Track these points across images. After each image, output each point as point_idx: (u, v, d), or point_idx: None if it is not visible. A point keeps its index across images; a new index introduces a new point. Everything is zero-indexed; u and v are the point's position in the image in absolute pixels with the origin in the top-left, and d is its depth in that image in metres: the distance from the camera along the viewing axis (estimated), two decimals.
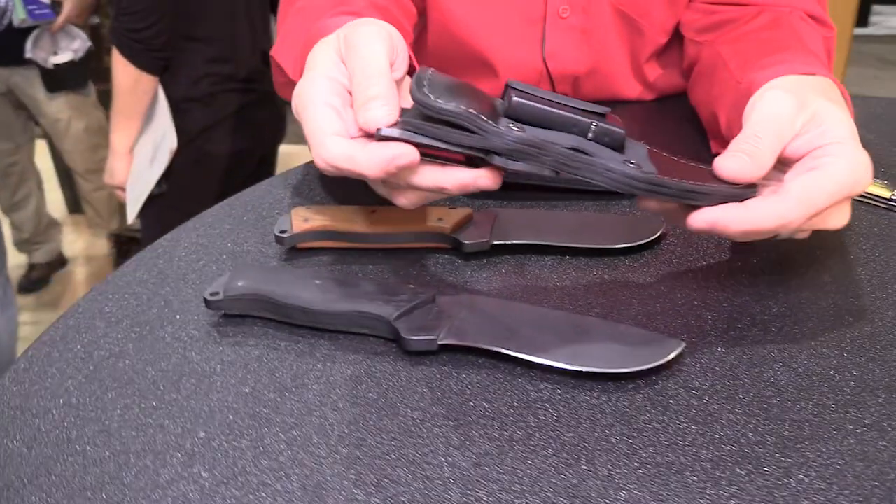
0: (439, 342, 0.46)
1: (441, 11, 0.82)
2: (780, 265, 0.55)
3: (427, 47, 0.87)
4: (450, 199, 0.64)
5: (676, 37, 0.85)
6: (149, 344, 0.48)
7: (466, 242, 0.56)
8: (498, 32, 0.82)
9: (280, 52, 0.67)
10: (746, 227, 0.46)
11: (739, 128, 0.61)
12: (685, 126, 0.80)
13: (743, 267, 0.55)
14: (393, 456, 0.39)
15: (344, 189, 0.68)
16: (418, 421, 0.42)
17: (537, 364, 0.45)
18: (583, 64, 0.84)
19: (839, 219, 0.49)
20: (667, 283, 0.54)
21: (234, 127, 1.64)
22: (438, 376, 0.45)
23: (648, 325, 0.49)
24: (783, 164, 0.51)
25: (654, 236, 0.58)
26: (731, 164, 0.48)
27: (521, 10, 0.82)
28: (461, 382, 0.44)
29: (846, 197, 0.48)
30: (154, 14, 1.50)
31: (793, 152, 0.50)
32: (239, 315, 0.50)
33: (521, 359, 0.45)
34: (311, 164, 0.72)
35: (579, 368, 0.44)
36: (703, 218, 0.46)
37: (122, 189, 1.68)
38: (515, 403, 0.43)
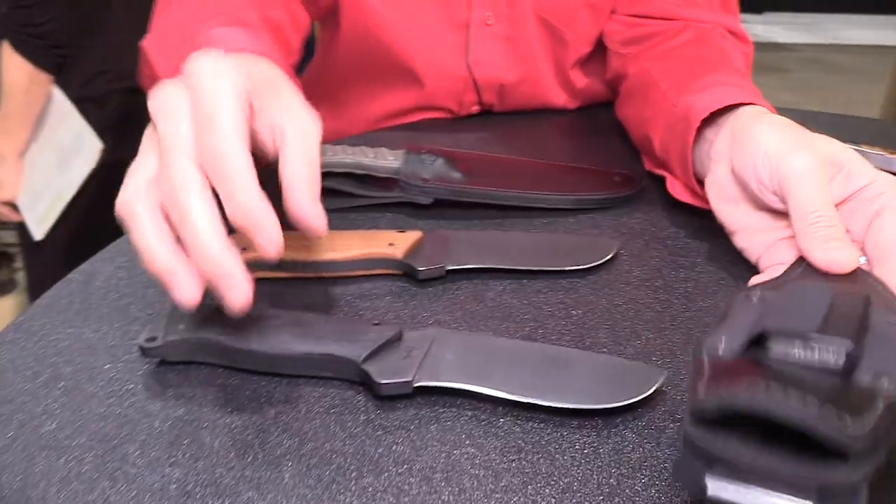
0: (415, 384, 0.42)
1: (359, 11, 0.77)
2: (740, 279, 0.55)
3: (339, 51, 0.83)
4: (397, 223, 0.61)
5: (601, 46, 0.84)
6: (77, 403, 0.42)
7: (421, 269, 0.52)
8: (421, 37, 0.79)
9: (153, 47, 0.60)
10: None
11: (676, 151, 0.61)
12: (614, 139, 0.79)
13: (699, 285, 0.55)
14: None
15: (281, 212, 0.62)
16: (404, 475, 0.38)
17: (520, 402, 0.42)
18: (509, 72, 0.82)
19: None
20: (630, 304, 0.52)
21: (137, 130, 1.51)
22: (417, 422, 0.41)
23: (622, 352, 0.47)
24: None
25: (610, 255, 0.56)
26: (839, 257, 0.44)
27: (445, 16, 0.79)
28: (443, 428, 0.41)
29: None
30: (54, 7, 1.36)
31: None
32: (181, 361, 0.44)
33: (502, 398, 0.42)
34: None
35: (566, 405, 0.41)
36: None
37: (9, 204, 1.51)
38: (505, 448, 0.39)
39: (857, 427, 0.28)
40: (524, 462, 0.39)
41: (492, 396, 0.42)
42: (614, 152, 0.77)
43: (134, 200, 0.40)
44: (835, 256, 0.44)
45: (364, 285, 0.53)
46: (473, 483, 0.37)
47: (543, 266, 0.54)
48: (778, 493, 0.30)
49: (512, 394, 0.41)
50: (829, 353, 0.33)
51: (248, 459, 0.38)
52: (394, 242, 0.53)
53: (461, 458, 0.39)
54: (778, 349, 0.34)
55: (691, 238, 0.60)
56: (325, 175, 0.62)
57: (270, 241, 0.41)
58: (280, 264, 0.52)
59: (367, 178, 0.63)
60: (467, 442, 0.40)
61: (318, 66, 0.90)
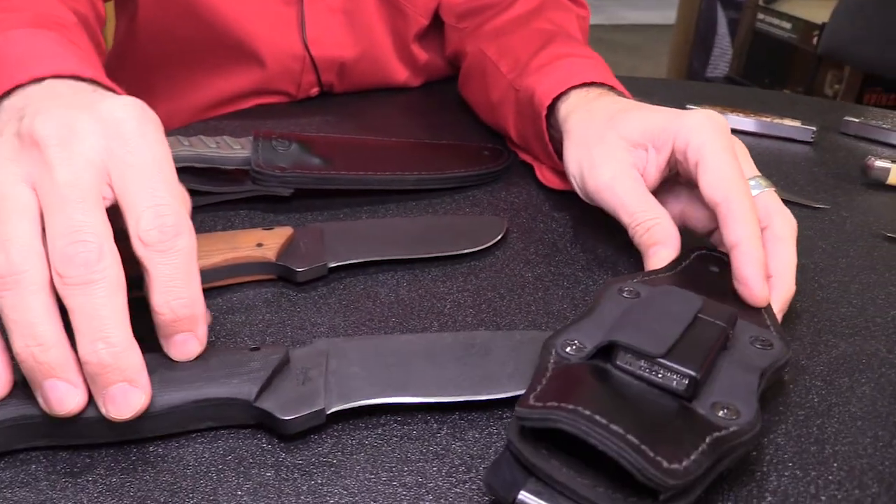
0: (328, 412, 0.34)
1: None
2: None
3: (142, 35, 0.71)
4: (254, 220, 0.51)
5: (440, 20, 0.78)
6: None
7: (300, 270, 0.44)
8: (254, 13, 0.69)
9: None
10: (756, 265, 0.40)
11: (536, 139, 0.57)
12: (465, 115, 0.74)
13: (598, 256, 0.50)
14: None
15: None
16: None
17: (451, 404, 0.35)
18: (349, 48, 0.73)
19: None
20: (537, 280, 0.46)
21: None
22: (338, 453, 0.33)
23: (536, 326, 0.42)
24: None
25: (502, 234, 0.50)
26: (659, 262, 0.43)
27: None
28: (371, 454, 0.33)
29: (728, 144, 0.44)
30: None
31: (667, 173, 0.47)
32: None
33: (429, 403, 0.35)
34: None
35: (498, 396, 0.35)
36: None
37: None
38: (450, 468, 0.32)
39: (671, 469, 0.27)
40: (474, 478, 0.32)
41: (412, 405, 0.35)
42: (469, 128, 0.71)
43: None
44: (655, 262, 0.44)
45: (232, 297, 0.43)
46: None
47: (436, 252, 0.47)
48: None
49: (439, 396, 0.34)
50: (673, 378, 0.32)
51: None
52: (262, 242, 0.44)
53: (400, 488, 0.31)
54: (625, 362, 0.33)
55: (576, 209, 0.56)
56: None
57: None
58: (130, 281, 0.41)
59: (209, 172, 0.53)
60: (405, 469, 0.32)
61: (115, 56, 0.77)
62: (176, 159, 0.51)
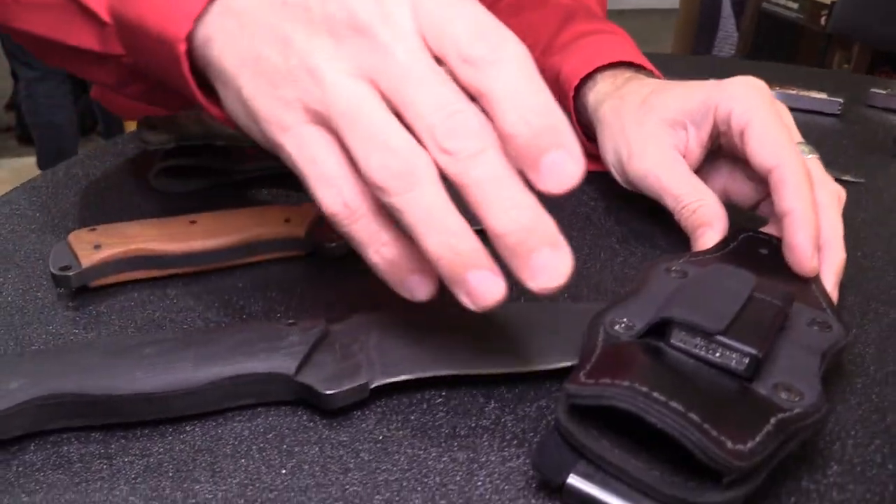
0: (372, 387, 0.32)
1: None
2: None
3: None
4: (287, 196, 0.50)
5: None
6: None
7: (331, 245, 0.42)
8: None
9: None
10: (809, 232, 0.38)
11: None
12: None
13: (638, 228, 0.49)
14: None
15: (140, 196, 0.50)
16: (395, 497, 0.28)
17: (497, 376, 0.33)
18: None
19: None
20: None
21: None
22: (383, 429, 0.31)
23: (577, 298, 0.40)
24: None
25: None
26: (707, 241, 0.42)
27: None
28: (424, 438, 0.31)
29: (774, 108, 0.43)
30: None
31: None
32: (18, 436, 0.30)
33: (476, 376, 0.33)
34: (72, 163, 0.53)
35: (551, 367, 0.33)
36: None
37: None
38: (506, 446, 0.31)
39: (736, 450, 0.25)
40: (527, 452, 0.30)
41: (462, 377, 0.33)
42: None
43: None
44: (702, 244, 0.42)
45: (262, 273, 0.42)
46: (481, 492, 0.29)
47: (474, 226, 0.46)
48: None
49: (485, 368, 0.33)
50: (732, 356, 0.30)
51: None
52: (290, 218, 0.43)
53: (452, 463, 0.30)
54: (679, 340, 0.31)
55: (605, 182, 0.54)
56: (181, 150, 0.50)
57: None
58: (150, 260, 0.40)
59: (230, 150, 0.51)
60: (454, 444, 0.31)
61: None
62: (194, 137, 0.49)
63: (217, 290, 0.40)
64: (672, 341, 0.31)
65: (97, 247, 0.39)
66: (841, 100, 0.70)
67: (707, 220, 0.42)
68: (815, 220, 0.38)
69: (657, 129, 0.46)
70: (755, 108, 0.41)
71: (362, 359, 0.33)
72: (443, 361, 0.33)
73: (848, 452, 0.32)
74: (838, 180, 0.56)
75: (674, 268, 0.37)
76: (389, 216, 0.30)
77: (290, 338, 0.33)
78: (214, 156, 0.50)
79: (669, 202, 0.44)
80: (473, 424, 0.32)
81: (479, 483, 0.29)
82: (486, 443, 0.31)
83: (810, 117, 0.70)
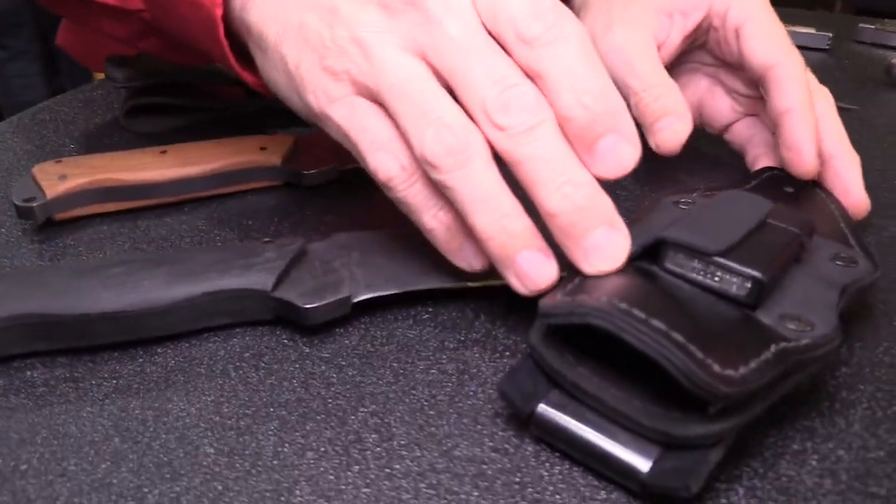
0: (354, 301, 0.30)
1: None
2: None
3: None
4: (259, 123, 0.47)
5: None
6: None
7: (308, 172, 0.40)
8: None
9: None
10: (810, 128, 0.37)
11: None
12: None
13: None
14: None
15: (110, 137, 0.47)
16: (382, 412, 0.26)
17: (488, 288, 0.32)
18: None
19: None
20: None
21: None
22: (367, 345, 0.29)
23: None
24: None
25: None
26: (666, 136, 0.39)
27: None
28: (411, 352, 0.29)
29: (773, 11, 0.41)
30: None
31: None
32: None
33: (464, 288, 0.31)
34: (38, 109, 0.50)
35: None
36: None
37: None
38: (498, 357, 0.29)
39: (725, 375, 0.22)
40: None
41: (450, 290, 0.31)
42: None
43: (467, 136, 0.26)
44: (665, 138, 0.39)
45: (237, 203, 0.40)
46: (473, 402, 0.27)
47: None
48: (612, 437, 0.23)
49: (475, 281, 0.31)
50: (733, 281, 0.26)
51: (139, 449, 0.25)
52: (266, 146, 0.41)
53: (441, 375, 0.28)
54: (675, 263, 0.27)
55: None
56: (151, 88, 0.47)
57: None
58: (119, 191, 0.38)
59: (209, 88, 0.49)
60: (443, 357, 0.29)
61: None
62: (164, 74, 0.47)
63: (190, 221, 0.38)
64: (666, 265, 0.27)
65: (62, 177, 0.37)
66: (830, 34, 0.68)
67: (672, 110, 0.39)
68: (814, 118, 0.37)
69: (642, 12, 0.43)
70: (755, 7, 0.39)
71: (344, 274, 0.31)
72: (428, 276, 0.31)
73: (855, 355, 0.30)
74: None
75: (682, 199, 0.33)
76: None
77: (267, 254, 0.31)
78: (187, 94, 0.48)
79: (632, 82, 0.40)
80: (463, 338, 0.30)
81: (471, 392, 0.27)
82: (476, 355, 0.29)
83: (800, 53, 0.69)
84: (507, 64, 0.27)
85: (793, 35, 0.68)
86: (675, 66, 0.45)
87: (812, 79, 0.40)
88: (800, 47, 0.68)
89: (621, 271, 0.27)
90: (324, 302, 0.29)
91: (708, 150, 0.48)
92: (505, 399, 0.25)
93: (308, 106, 0.30)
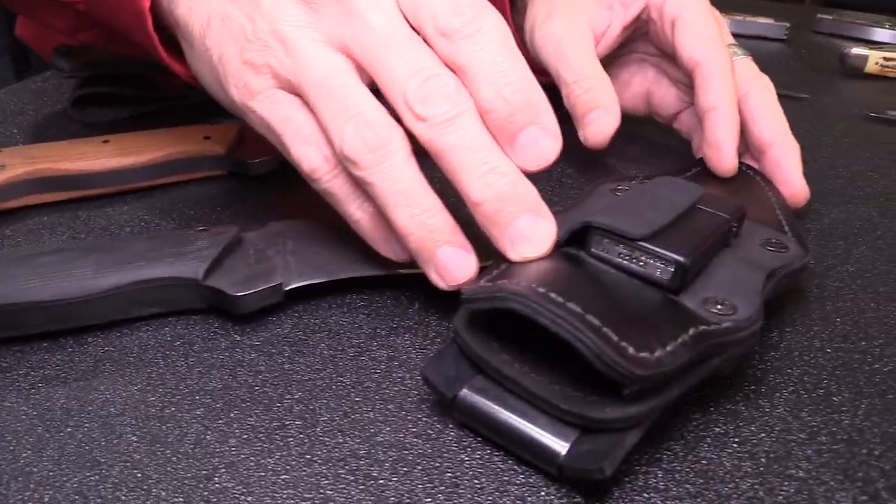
0: (286, 288, 0.30)
1: None
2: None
3: None
4: (207, 113, 0.47)
5: None
6: None
7: (253, 161, 0.40)
8: None
9: None
10: (731, 128, 0.37)
11: None
12: None
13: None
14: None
15: (58, 127, 0.47)
16: (305, 402, 0.26)
17: (422, 277, 0.31)
18: None
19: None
20: None
21: None
22: (299, 333, 0.29)
23: None
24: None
25: None
26: (594, 129, 0.39)
27: None
28: (342, 340, 0.29)
29: (708, 6, 0.40)
30: None
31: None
32: None
33: (399, 275, 0.31)
34: None
35: (483, 265, 0.31)
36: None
37: None
38: (429, 344, 0.29)
39: (639, 357, 0.22)
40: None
41: (385, 277, 0.31)
42: None
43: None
44: (594, 130, 0.39)
45: (180, 193, 0.39)
46: (399, 389, 0.27)
47: None
48: (532, 421, 0.23)
49: (409, 268, 0.31)
50: (657, 265, 0.26)
51: (62, 438, 0.25)
52: (210, 135, 0.40)
53: (370, 362, 0.28)
54: (601, 248, 0.27)
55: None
56: (98, 78, 0.47)
57: None
58: (59, 181, 0.37)
59: (152, 78, 0.48)
60: (374, 343, 0.29)
61: None
62: (116, 64, 0.47)
63: (132, 211, 0.38)
64: (593, 250, 0.27)
65: (1, 167, 0.36)
66: (787, 24, 0.69)
67: (602, 103, 0.39)
68: (737, 118, 0.37)
69: (582, 2, 0.43)
70: (689, 2, 0.39)
71: (278, 262, 0.31)
72: (362, 264, 0.31)
73: (786, 338, 0.30)
74: (782, 96, 0.55)
75: (619, 186, 0.34)
76: None
77: (199, 243, 0.31)
78: (134, 84, 0.47)
79: (565, 75, 0.40)
80: (395, 325, 0.30)
81: (399, 379, 0.27)
82: (407, 342, 0.29)
83: (758, 43, 0.69)
84: (428, 55, 0.26)
85: (751, 25, 0.69)
86: (623, 55, 0.45)
87: (752, 67, 0.40)
88: (758, 37, 0.69)
89: (547, 257, 0.27)
90: (254, 290, 0.29)
91: (657, 137, 0.48)
92: (428, 384, 0.25)
93: (231, 99, 0.29)
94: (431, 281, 0.28)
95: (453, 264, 0.27)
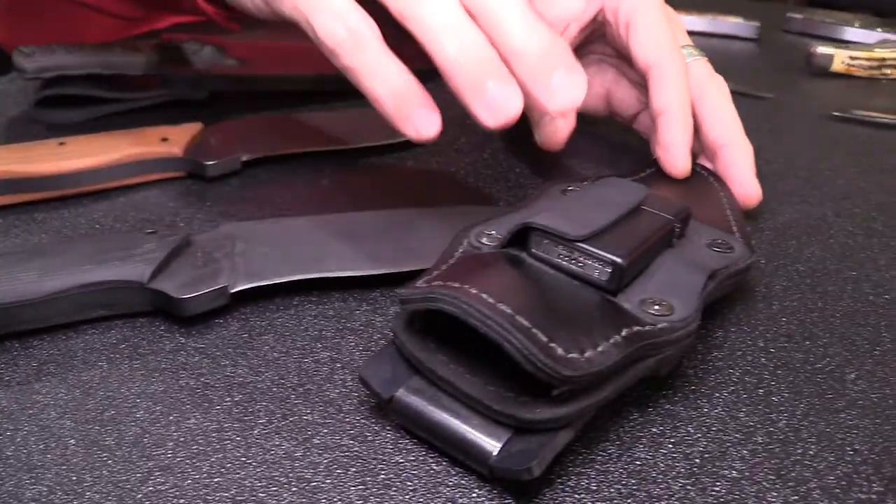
0: (232, 291, 0.30)
1: None
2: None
3: None
4: (174, 113, 0.47)
5: None
6: None
7: (211, 163, 0.40)
8: None
9: None
10: (683, 130, 0.37)
11: None
12: None
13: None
14: None
15: (21, 128, 0.46)
16: (244, 405, 0.26)
17: (369, 278, 0.31)
18: None
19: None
20: (464, 167, 0.43)
21: None
22: (245, 336, 0.29)
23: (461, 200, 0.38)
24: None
25: None
26: (549, 132, 0.39)
27: None
28: (286, 342, 0.29)
29: (662, 9, 0.40)
30: None
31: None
32: None
33: (345, 278, 0.31)
34: None
35: (426, 267, 0.31)
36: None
37: None
38: (373, 346, 0.29)
39: (568, 357, 0.22)
40: None
41: (332, 280, 0.31)
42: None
43: None
44: (548, 132, 0.39)
45: (137, 195, 0.39)
46: (340, 391, 0.27)
47: (359, 143, 0.44)
48: (466, 421, 0.23)
49: (355, 270, 0.31)
50: (595, 267, 0.26)
51: (3, 439, 0.25)
52: (168, 137, 0.40)
53: (313, 364, 0.28)
54: (541, 249, 0.27)
55: None
56: (62, 80, 0.47)
57: None
58: (14, 183, 0.37)
59: (116, 79, 0.48)
60: (318, 345, 0.29)
61: None
62: (81, 66, 0.46)
63: (88, 214, 0.38)
64: (533, 250, 0.27)
65: None
66: (757, 23, 0.69)
67: None
68: (689, 120, 0.37)
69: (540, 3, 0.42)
70: (643, 4, 0.39)
71: (225, 265, 0.31)
72: (312, 265, 0.31)
73: (730, 338, 0.30)
74: (746, 95, 0.56)
75: (570, 188, 0.34)
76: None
77: (147, 245, 0.30)
78: (97, 85, 0.47)
79: None
80: (341, 327, 0.30)
81: (340, 381, 0.27)
82: (352, 343, 0.29)
83: (728, 42, 0.69)
84: None
85: (720, 24, 0.69)
86: (583, 56, 0.45)
87: (707, 68, 0.40)
88: (728, 36, 0.69)
89: (488, 258, 0.27)
90: (199, 293, 0.29)
91: (618, 137, 0.48)
92: (365, 385, 0.25)
93: None
94: (479, 118, 0.28)
95: (502, 98, 0.27)
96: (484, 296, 0.23)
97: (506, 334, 0.22)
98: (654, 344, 0.24)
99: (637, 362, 0.24)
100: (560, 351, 0.22)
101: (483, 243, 0.29)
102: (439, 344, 0.25)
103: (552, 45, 0.28)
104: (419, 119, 0.29)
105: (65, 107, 0.47)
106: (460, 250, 0.29)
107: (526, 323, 0.23)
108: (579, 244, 0.26)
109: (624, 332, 0.24)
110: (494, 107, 0.27)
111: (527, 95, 0.28)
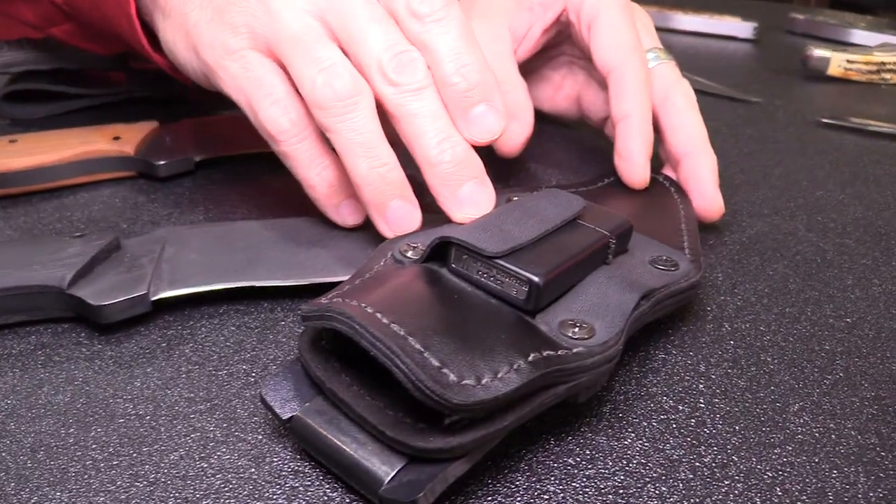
0: (153, 298, 0.29)
1: None
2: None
3: None
4: (143, 108, 0.46)
5: None
6: None
7: (161, 163, 0.39)
8: None
9: None
10: (642, 139, 0.36)
11: None
12: None
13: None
14: None
15: None
16: (150, 417, 0.25)
17: (299, 287, 0.30)
18: None
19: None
20: None
21: None
22: (164, 346, 0.28)
23: None
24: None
25: None
26: (504, 137, 0.38)
27: None
28: (204, 353, 0.28)
29: (627, 9, 0.38)
30: None
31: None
32: None
33: (271, 287, 0.30)
34: None
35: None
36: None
37: None
38: (293, 354, 0.28)
39: (460, 384, 0.21)
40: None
41: (261, 289, 0.30)
42: None
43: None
44: (503, 138, 0.38)
45: (86, 195, 0.38)
46: (249, 407, 0.26)
47: None
48: (361, 446, 0.22)
49: (284, 280, 0.30)
50: (513, 285, 0.25)
51: None
52: (120, 136, 0.39)
53: (228, 377, 0.27)
54: (461, 264, 0.26)
55: None
56: (29, 74, 0.46)
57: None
58: None
59: (81, 74, 0.47)
60: (237, 357, 0.28)
61: None
62: (48, 61, 0.46)
63: (36, 213, 0.37)
64: (453, 265, 0.26)
65: None
66: (755, 24, 0.66)
67: (512, 110, 0.38)
68: (649, 129, 0.35)
69: (502, 5, 0.41)
70: (606, 4, 0.37)
71: (149, 270, 0.30)
72: (239, 274, 0.30)
73: (670, 361, 0.29)
74: (733, 100, 0.53)
75: (515, 198, 0.32)
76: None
77: (71, 249, 0.30)
78: (66, 80, 0.46)
79: None
80: (264, 338, 0.29)
81: (251, 396, 0.26)
82: (271, 356, 0.28)
83: (725, 43, 0.66)
84: (400, 34, 0.29)
85: (716, 24, 0.66)
86: (555, 56, 0.43)
87: (674, 72, 0.38)
88: (724, 37, 0.67)
89: (404, 273, 0.26)
90: (117, 300, 0.28)
91: (589, 142, 0.46)
92: (264, 404, 0.24)
93: (204, 62, 0.31)
94: (379, 231, 0.30)
95: (402, 216, 0.30)
96: (378, 315, 0.22)
97: (394, 358, 0.21)
98: (565, 370, 0.23)
99: (546, 389, 0.23)
100: (452, 377, 0.21)
101: (407, 257, 0.27)
102: (345, 364, 0.24)
103: (465, 157, 0.29)
104: (346, 209, 0.32)
105: (31, 102, 0.46)
106: (382, 262, 0.27)
107: (418, 346, 0.21)
108: (497, 261, 0.25)
109: (531, 357, 0.22)
110: (395, 223, 0.30)
111: (435, 199, 0.30)
